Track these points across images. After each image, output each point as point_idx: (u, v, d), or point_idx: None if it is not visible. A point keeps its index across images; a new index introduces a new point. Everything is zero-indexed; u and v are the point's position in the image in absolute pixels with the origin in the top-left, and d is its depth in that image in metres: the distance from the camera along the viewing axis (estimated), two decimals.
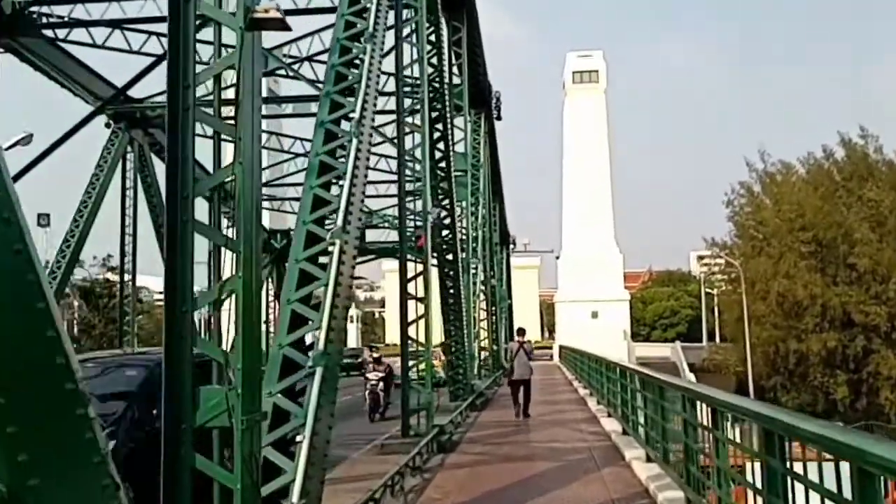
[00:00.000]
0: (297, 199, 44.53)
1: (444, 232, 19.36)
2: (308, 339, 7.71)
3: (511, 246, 52.16)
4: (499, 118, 33.36)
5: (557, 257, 59.12)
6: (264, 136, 29.79)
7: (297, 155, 37.83)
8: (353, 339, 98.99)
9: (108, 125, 33.34)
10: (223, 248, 5.57)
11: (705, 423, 7.09)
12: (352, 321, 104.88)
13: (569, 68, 68.87)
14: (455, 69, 24.44)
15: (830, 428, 4.30)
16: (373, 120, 9.51)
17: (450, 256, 19.95)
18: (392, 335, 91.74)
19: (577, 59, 68.77)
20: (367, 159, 9.07)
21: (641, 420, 11.10)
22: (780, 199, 60.26)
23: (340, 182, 8.35)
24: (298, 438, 6.60)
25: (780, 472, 4.87)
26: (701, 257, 72.17)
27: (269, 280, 50.43)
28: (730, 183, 66.80)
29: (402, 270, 13.88)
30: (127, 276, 34.84)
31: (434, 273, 20.07)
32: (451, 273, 20.26)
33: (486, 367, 31.68)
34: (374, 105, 9.57)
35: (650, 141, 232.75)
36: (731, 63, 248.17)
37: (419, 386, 14.05)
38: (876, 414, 50.19)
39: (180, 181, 5.44)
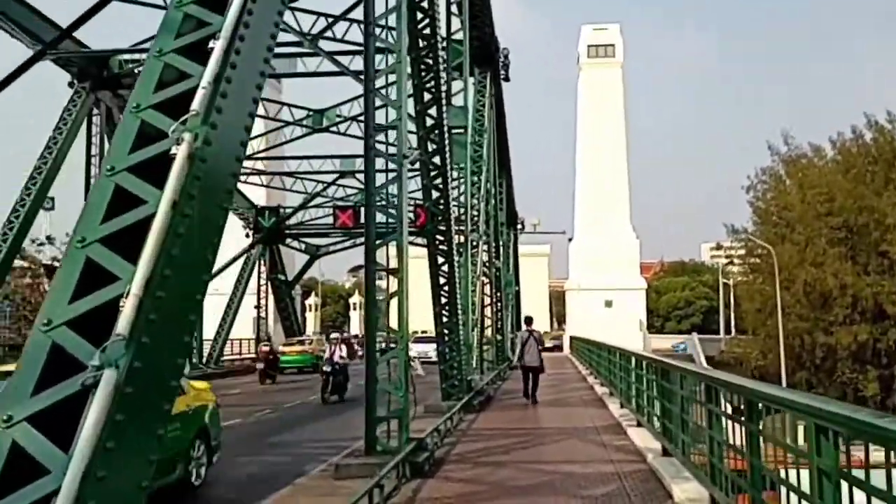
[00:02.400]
0: (292, 175, 41.06)
1: (435, 195, 15.82)
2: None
3: (519, 227, 48.27)
4: (507, 79, 29.58)
5: (570, 239, 55.14)
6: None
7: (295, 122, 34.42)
8: (356, 329, 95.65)
9: (70, 84, 29.96)
10: None
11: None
12: (354, 308, 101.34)
13: (583, 42, 64.91)
14: (454, 9, 20.82)
15: None
16: None
17: (442, 226, 16.41)
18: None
19: (593, 33, 64.75)
20: (276, 26, 5.56)
21: (703, 444, 7.54)
22: (805, 183, 56.88)
23: (212, 45, 4.82)
24: None
25: None
26: (719, 245, 68.04)
27: (261, 261, 47.07)
28: (754, 167, 63.02)
29: (368, 228, 10.39)
30: None
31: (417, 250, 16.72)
32: (444, 247, 16.74)
33: (489, 360, 28.19)
34: None
35: (660, 126, 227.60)
36: (755, 52, 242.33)
37: (391, 388, 10.57)
38: None
39: None
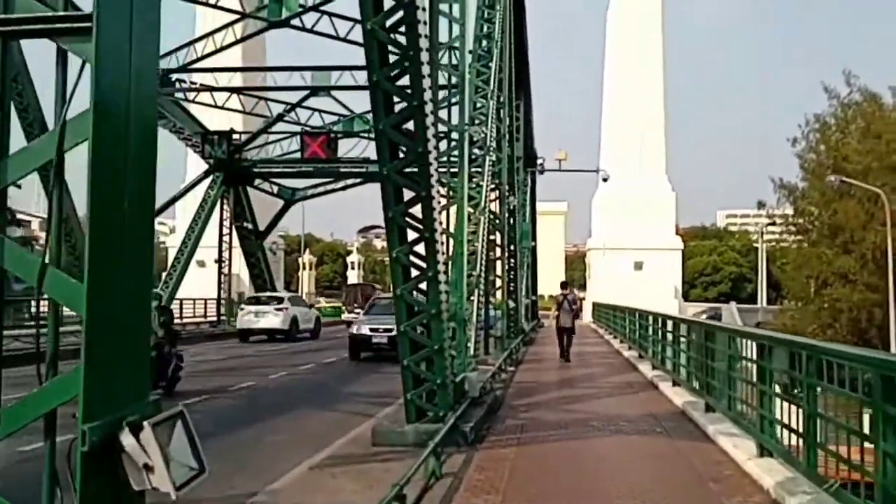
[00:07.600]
0: (244, 92, 32.92)
1: (396, 73, 7.59)
2: None
3: (539, 167, 39.55)
4: None
5: (605, 179, 45.96)
6: None
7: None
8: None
9: None
10: None
11: None
12: (353, 268, 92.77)
13: None
14: None
15: None
16: None
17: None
18: None
19: None
20: None
21: None
22: (870, 132, 48.70)
23: None
24: None
25: None
26: (761, 204, 59.30)
27: (222, 205, 38.83)
28: (804, 114, 54.51)
29: None
30: None
31: None
32: (410, 158, 8.55)
33: (496, 335, 20.23)
34: None
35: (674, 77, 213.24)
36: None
37: None
38: None
39: None
